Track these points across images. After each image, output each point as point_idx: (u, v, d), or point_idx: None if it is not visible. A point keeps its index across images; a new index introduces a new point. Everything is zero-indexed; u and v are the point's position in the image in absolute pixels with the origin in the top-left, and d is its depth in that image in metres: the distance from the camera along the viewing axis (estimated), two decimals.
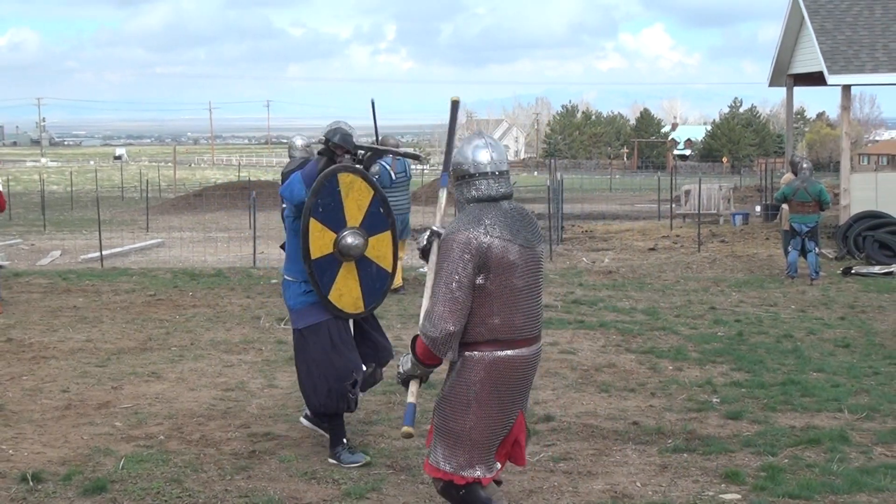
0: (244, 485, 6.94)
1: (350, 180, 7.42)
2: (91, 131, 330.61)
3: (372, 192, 7.58)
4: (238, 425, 8.40)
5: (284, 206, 7.58)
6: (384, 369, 7.92)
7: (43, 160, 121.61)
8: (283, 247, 7.76)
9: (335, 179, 7.34)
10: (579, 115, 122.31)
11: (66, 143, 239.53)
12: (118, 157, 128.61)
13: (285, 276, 7.60)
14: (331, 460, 7.45)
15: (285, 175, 15.55)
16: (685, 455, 7.56)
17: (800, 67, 25.14)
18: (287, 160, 15.57)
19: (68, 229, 30.94)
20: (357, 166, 7.59)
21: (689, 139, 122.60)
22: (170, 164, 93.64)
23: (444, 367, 5.48)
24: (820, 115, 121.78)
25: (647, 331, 12.51)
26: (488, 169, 5.38)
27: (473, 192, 5.37)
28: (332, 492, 6.80)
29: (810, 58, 23.45)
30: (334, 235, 7.34)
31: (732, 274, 18.51)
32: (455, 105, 6.05)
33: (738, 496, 6.68)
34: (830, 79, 21.81)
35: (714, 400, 9.20)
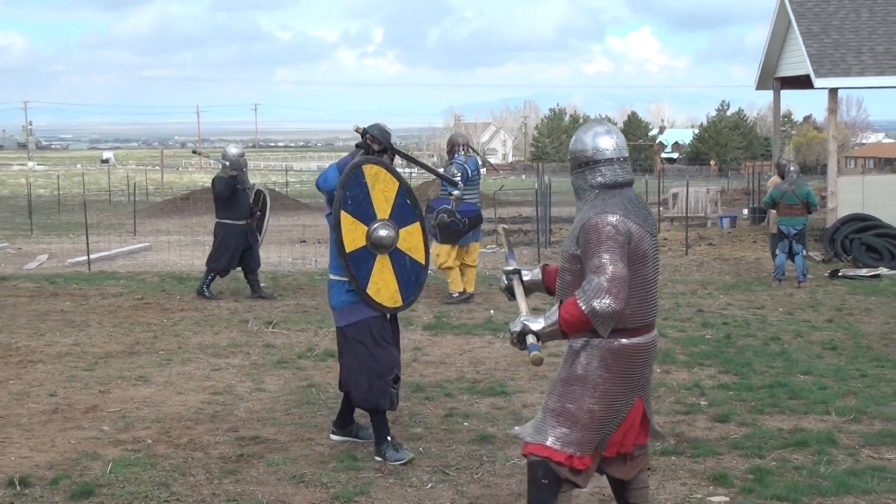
0: (232, 488, 6.92)
1: (375, 171, 7.44)
2: (78, 135, 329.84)
3: (397, 184, 7.58)
4: (226, 429, 8.38)
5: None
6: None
7: (30, 164, 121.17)
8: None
9: (360, 171, 7.36)
10: (567, 118, 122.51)
11: (53, 146, 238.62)
12: (105, 161, 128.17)
13: (331, 276, 7.64)
14: (377, 458, 7.49)
15: (216, 182, 15.55)
16: (673, 458, 7.57)
17: (787, 71, 25.22)
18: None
19: (55, 233, 30.85)
20: (380, 158, 7.58)
21: (676, 142, 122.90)
22: (157, 167, 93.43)
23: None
24: (807, 119, 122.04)
25: None
26: (613, 155, 5.42)
27: (599, 179, 5.39)
28: (320, 495, 6.79)
29: (797, 61, 23.53)
30: (366, 228, 7.37)
31: (720, 277, 18.54)
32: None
33: (726, 498, 6.69)
34: (817, 82, 21.89)
35: (702, 402, 9.21)
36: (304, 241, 26.74)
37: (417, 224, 7.77)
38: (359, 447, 7.84)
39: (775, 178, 19.20)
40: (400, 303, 7.65)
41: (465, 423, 8.51)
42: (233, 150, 15.99)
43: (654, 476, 7.15)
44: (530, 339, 5.27)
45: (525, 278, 5.83)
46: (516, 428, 5.61)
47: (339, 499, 6.70)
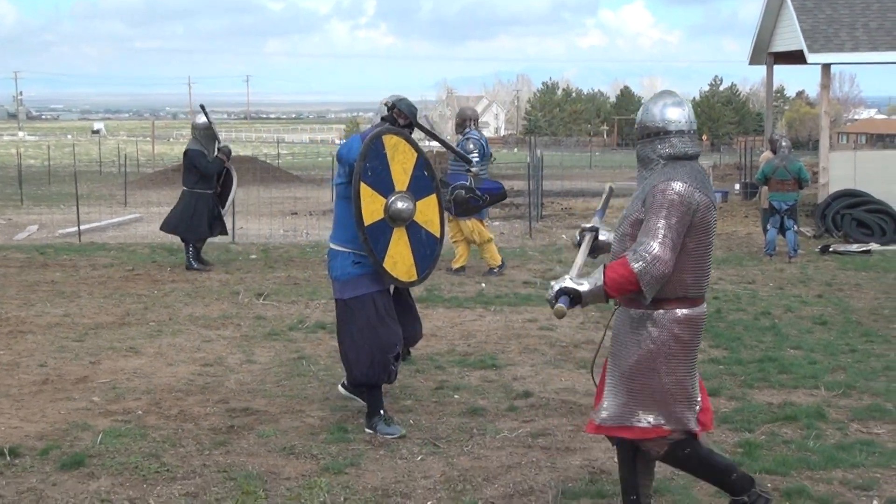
0: (222, 459, 6.93)
1: (395, 142, 7.36)
2: (69, 105, 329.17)
3: (416, 155, 7.51)
4: (216, 400, 8.39)
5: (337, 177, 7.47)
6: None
7: (20, 134, 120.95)
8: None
9: (381, 142, 7.28)
10: (559, 92, 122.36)
11: (43, 117, 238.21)
12: (96, 132, 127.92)
13: (332, 246, 7.51)
14: (367, 430, 7.48)
15: (188, 154, 15.49)
16: None
17: (780, 46, 25.15)
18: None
19: (45, 204, 30.79)
20: (400, 129, 7.49)
21: None
22: (148, 138, 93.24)
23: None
24: (799, 94, 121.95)
25: None
26: (685, 127, 5.52)
27: (669, 150, 5.48)
28: (310, 467, 6.80)
29: (790, 36, 23.47)
30: (384, 200, 7.27)
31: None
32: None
33: None
34: (810, 57, 21.84)
35: None
36: (296, 213, 26.71)
37: (434, 196, 7.71)
38: (349, 419, 7.84)
39: (767, 154, 19.21)
40: (415, 277, 7.60)
41: (456, 396, 8.52)
42: (199, 119, 15.80)
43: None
44: (563, 299, 5.36)
45: (601, 237, 6.02)
46: (602, 413, 5.54)
47: (329, 470, 6.70)
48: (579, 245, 6.04)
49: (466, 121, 14.98)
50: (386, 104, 7.59)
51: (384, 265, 7.29)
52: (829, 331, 11.29)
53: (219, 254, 16.44)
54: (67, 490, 6.35)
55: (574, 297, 5.39)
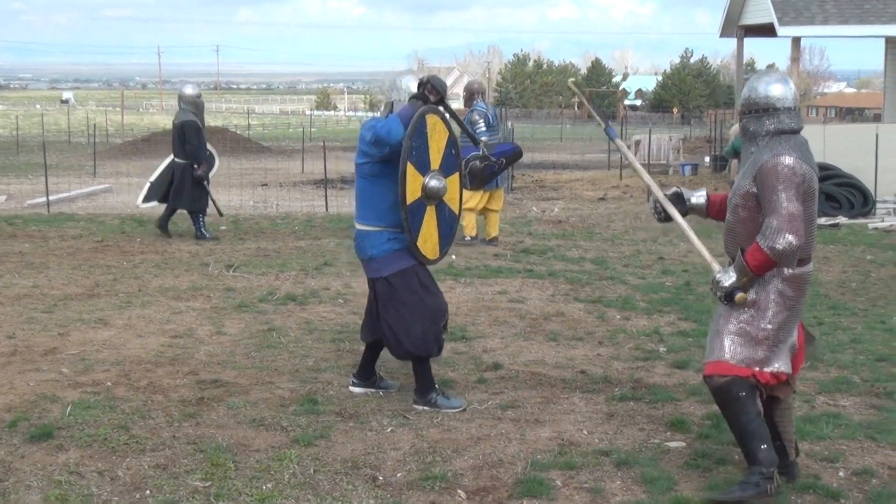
0: (192, 431, 6.92)
1: (434, 122, 7.38)
2: (37, 74, 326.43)
3: (447, 133, 7.55)
4: (186, 372, 8.37)
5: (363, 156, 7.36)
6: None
7: None
8: None
9: (424, 121, 7.28)
10: (531, 63, 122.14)
11: (11, 86, 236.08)
12: (65, 102, 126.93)
13: (361, 227, 7.42)
14: (422, 408, 7.42)
15: (176, 126, 15.46)
16: (632, 403, 7.63)
17: (750, 19, 25.22)
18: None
19: (14, 174, 30.56)
20: (436, 107, 7.48)
21: (639, 89, 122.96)
22: (117, 108, 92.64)
23: None
24: (770, 67, 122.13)
25: (596, 280, 12.58)
26: (792, 104, 5.90)
27: (777, 125, 5.86)
28: (280, 439, 6.80)
29: (761, 9, 23.54)
30: (422, 179, 7.27)
31: None
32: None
33: (684, 444, 6.76)
34: (780, 30, 21.92)
35: (661, 349, 9.28)
36: (266, 185, 26.65)
37: (457, 174, 7.75)
38: (319, 391, 7.85)
39: (737, 127, 19.27)
40: (438, 254, 7.63)
41: None
42: (189, 90, 15.82)
43: (612, 421, 7.21)
44: (736, 291, 5.86)
45: (692, 200, 6.58)
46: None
47: (298, 442, 6.71)
48: (663, 217, 6.63)
49: (474, 94, 15.35)
50: (420, 81, 7.54)
51: (417, 243, 7.31)
52: None
53: (188, 225, 16.37)
54: (36, 462, 6.33)
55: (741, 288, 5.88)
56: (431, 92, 7.46)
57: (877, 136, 20.67)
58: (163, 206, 16.13)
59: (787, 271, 5.82)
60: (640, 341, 9.54)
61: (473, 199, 14.73)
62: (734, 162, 18.06)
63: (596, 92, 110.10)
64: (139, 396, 7.69)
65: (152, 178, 16.44)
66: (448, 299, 11.20)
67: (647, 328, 10.07)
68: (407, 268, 7.36)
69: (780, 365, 5.91)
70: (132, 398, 7.64)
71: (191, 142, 15.38)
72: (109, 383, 8.02)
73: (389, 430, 7.03)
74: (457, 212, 7.79)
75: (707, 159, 29.89)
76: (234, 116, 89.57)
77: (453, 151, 7.63)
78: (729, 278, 5.87)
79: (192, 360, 8.77)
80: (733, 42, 27.42)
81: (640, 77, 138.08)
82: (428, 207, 7.38)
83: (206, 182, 15.66)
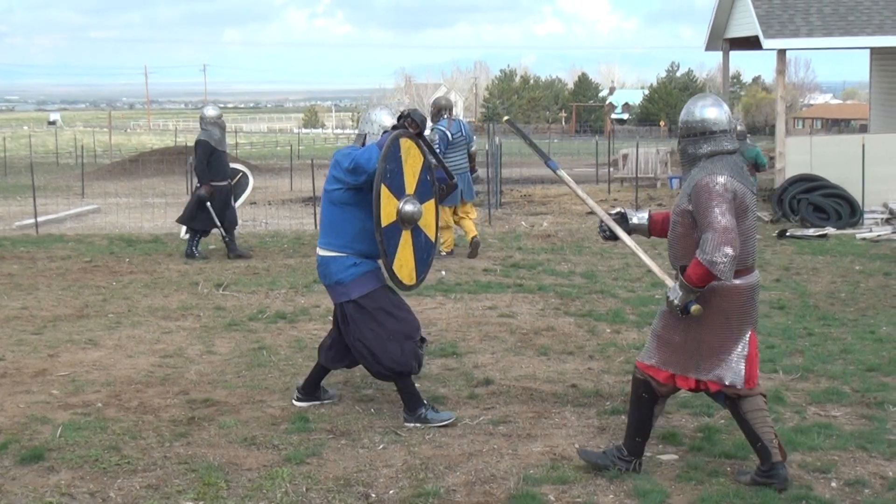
0: (183, 451, 6.91)
1: (408, 146, 7.42)
2: (24, 96, 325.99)
3: (422, 159, 7.59)
4: (176, 392, 8.36)
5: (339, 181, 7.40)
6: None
7: None
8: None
9: (398, 144, 7.31)
10: (517, 79, 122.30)
11: None
12: (52, 123, 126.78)
13: (325, 253, 7.48)
14: (413, 424, 7.44)
15: (198, 146, 15.46)
16: (623, 417, 7.60)
17: (736, 32, 25.27)
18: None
19: (1, 196, 30.44)
20: (412, 132, 7.53)
21: (626, 103, 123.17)
22: (105, 129, 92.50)
23: None
24: (756, 80, 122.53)
25: (586, 294, 12.58)
26: (726, 127, 6.25)
27: (712, 148, 6.21)
28: (272, 457, 6.79)
29: (746, 22, 23.58)
30: (397, 203, 7.29)
31: None
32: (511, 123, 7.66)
33: (676, 456, 6.76)
34: (766, 43, 21.95)
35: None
36: (255, 203, 26.60)
37: (433, 201, 7.78)
38: (310, 409, 7.84)
39: None
40: (415, 280, 7.65)
41: (417, 385, 8.51)
42: (210, 111, 15.87)
43: (604, 435, 7.22)
44: (690, 304, 6.08)
45: (632, 221, 6.84)
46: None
47: (290, 461, 6.70)
48: (608, 236, 6.83)
49: (441, 110, 15.35)
50: (401, 114, 7.64)
51: (393, 267, 7.33)
52: (787, 315, 11.38)
53: (177, 244, 16.35)
54: (27, 484, 6.32)
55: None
56: (411, 125, 7.56)
57: (863, 146, 20.71)
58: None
59: (723, 284, 6.06)
60: (631, 354, 9.54)
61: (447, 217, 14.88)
62: None
63: (583, 107, 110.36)
64: (130, 417, 7.67)
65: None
66: (438, 315, 11.29)
67: (638, 341, 10.07)
68: (375, 289, 7.44)
69: (707, 374, 6.21)
70: (123, 419, 7.62)
71: (199, 160, 15.39)
72: (100, 404, 8.01)
73: (381, 447, 7.02)
74: (433, 239, 7.80)
75: None
76: None
77: (428, 177, 7.66)
78: (676, 295, 6.09)
79: (183, 379, 8.76)
80: (719, 55, 27.45)
81: (626, 91, 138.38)
82: (403, 232, 7.40)
83: (208, 202, 15.59)
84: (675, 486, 6.22)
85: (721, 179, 6.01)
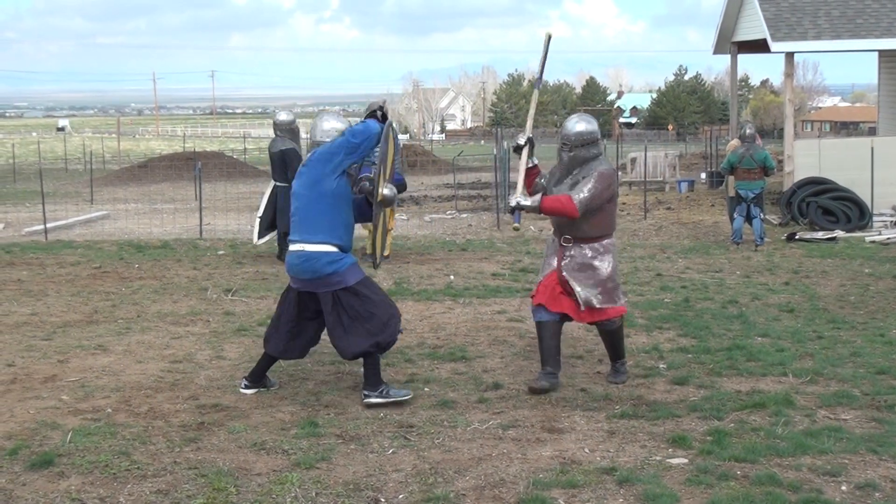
0: (193, 456, 6.91)
1: (390, 137, 8.36)
2: (32, 103, 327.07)
3: (395, 150, 8.54)
4: (186, 397, 8.36)
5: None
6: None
7: None
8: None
9: (391, 131, 8.35)
10: (525, 83, 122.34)
11: (7, 114, 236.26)
12: (61, 129, 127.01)
13: (310, 248, 7.92)
14: (377, 400, 7.96)
15: (275, 153, 15.46)
16: (632, 421, 7.62)
17: (744, 35, 25.27)
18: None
19: (11, 202, 30.56)
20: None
21: (634, 107, 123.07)
22: (114, 135, 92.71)
23: None
24: (764, 83, 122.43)
25: None
26: (598, 136, 8.55)
27: (597, 151, 8.52)
28: (281, 462, 6.79)
29: (754, 25, 23.58)
30: (381, 186, 8.14)
31: (678, 241, 18.63)
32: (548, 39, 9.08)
33: (685, 460, 6.75)
34: (774, 46, 21.95)
35: (661, 366, 9.28)
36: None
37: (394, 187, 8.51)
38: (320, 413, 7.84)
39: (734, 142, 19.29)
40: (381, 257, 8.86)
41: (426, 389, 8.53)
42: (283, 117, 15.88)
43: (613, 439, 7.20)
44: (517, 216, 8.20)
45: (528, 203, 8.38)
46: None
47: (300, 465, 6.70)
48: (518, 151, 8.54)
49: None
50: (383, 105, 8.67)
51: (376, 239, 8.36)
52: (796, 318, 11.36)
53: (186, 250, 16.38)
54: (37, 489, 6.32)
55: (524, 209, 8.21)
56: (383, 119, 8.33)
57: (872, 149, 20.71)
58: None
59: (607, 242, 8.52)
60: (640, 358, 9.54)
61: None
62: (730, 177, 18.06)
63: (591, 111, 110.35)
64: (140, 422, 7.68)
65: (259, 213, 16.20)
66: (447, 319, 11.30)
67: (647, 345, 10.07)
68: (364, 276, 8.04)
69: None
70: (133, 424, 7.63)
71: (294, 168, 15.37)
72: (110, 409, 8.01)
73: (391, 451, 7.02)
74: (390, 226, 8.78)
75: (703, 175, 29.90)
76: (231, 140, 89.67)
77: (398, 167, 8.66)
78: (524, 200, 8.16)
79: (192, 384, 8.76)
80: (727, 59, 27.46)
81: (634, 95, 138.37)
82: (381, 213, 8.35)
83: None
84: (684, 490, 6.21)
85: (611, 171, 8.46)
